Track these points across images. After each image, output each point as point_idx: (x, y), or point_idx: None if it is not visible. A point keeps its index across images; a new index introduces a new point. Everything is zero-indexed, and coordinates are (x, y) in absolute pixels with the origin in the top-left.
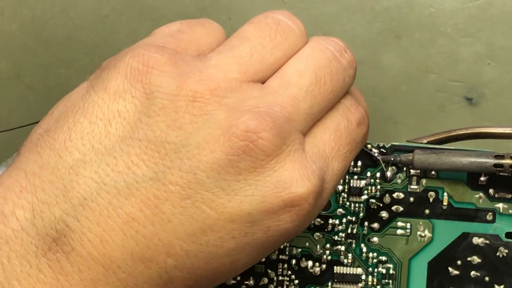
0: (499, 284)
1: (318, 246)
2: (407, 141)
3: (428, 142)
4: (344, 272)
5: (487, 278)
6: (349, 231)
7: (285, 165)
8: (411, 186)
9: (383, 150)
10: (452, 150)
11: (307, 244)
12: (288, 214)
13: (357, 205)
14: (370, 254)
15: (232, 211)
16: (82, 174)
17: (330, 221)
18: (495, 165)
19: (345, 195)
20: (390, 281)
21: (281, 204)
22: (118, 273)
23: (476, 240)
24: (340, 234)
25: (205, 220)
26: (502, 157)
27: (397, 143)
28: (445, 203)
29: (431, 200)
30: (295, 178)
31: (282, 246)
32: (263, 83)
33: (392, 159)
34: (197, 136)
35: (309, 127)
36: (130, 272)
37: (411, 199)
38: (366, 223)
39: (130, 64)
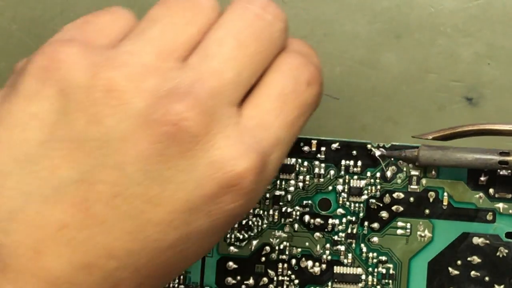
0: (499, 284)
1: (318, 246)
2: (413, 136)
3: (434, 138)
4: (344, 272)
5: (487, 278)
6: (349, 231)
7: (216, 143)
8: (411, 186)
9: (383, 150)
10: (457, 147)
11: (307, 244)
12: (228, 195)
13: (357, 205)
14: (370, 254)
15: (168, 201)
16: (5, 187)
17: (330, 221)
18: (500, 162)
19: (345, 195)
20: (390, 281)
21: (218, 185)
22: (59, 284)
23: (476, 240)
24: (340, 234)
25: (140, 216)
26: (507, 154)
27: (397, 143)
28: (445, 203)
29: (431, 200)
30: (230, 156)
31: (282, 246)
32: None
33: (396, 154)
34: (119, 128)
35: (242, 96)
36: (71, 281)
37: (411, 199)
38: (366, 223)
39: (38, 63)
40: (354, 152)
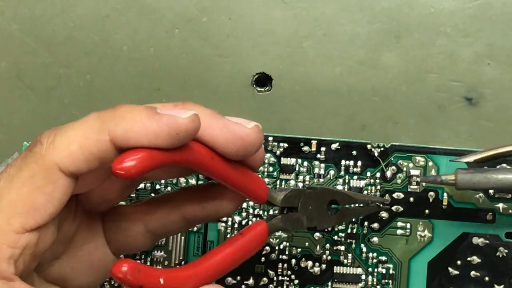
0: (499, 284)
1: (318, 246)
2: (451, 160)
3: (475, 161)
4: (344, 272)
5: (487, 278)
6: (349, 231)
7: None
8: (411, 186)
9: (383, 149)
10: (497, 168)
11: (307, 244)
12: None
13: (357, 205)
14: (370, 254)
15: None
16: None
17: None
18: None
19: None
20: (390, 281)
21: None
22: None
23: (476, 240)
24: (340, 234)
25: None
26: None
27: (397, 143)
28: (445, 203)
29: (431, 200)
30: None
31: (282, 246)
32: None
33: (432, 180)
34: None
35: None
36: None
37: (411, 199)
38: (366, 223)
39: None
40: (354, 152)
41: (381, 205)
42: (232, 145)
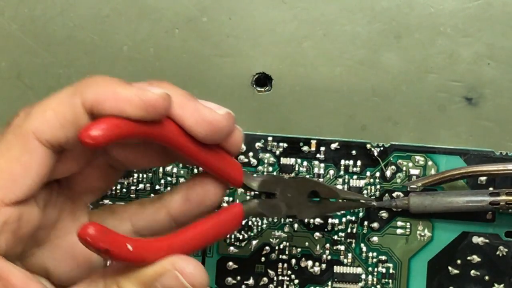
0: (499, 283)
1: (318, 246)
2: (404, 185)
3: (423, 185)
4: (344, 271)
5: (487, 277)
6: (349, 230)
7: None
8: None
9: (382, 148)
10: (446, 191)
11: (307, 244)
12: None
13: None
14: (370, 254)
15: None
16: None
17: (330, 220)
18: (491, 203)
19: None
20: (390, 280)
21: None
22: None
23: (476, 239)
24: (340, 233)
25: None
26: (497, 194)
27: (396, 143)
28: None
29: None
30: None
31: (282, 246)
32: None
33: (387, 204)
34: None
35: None
36: None
37: None
38: (366, 223)
39: None
40: (354, 152)
41: (365, 202)
42: (201, 129)
